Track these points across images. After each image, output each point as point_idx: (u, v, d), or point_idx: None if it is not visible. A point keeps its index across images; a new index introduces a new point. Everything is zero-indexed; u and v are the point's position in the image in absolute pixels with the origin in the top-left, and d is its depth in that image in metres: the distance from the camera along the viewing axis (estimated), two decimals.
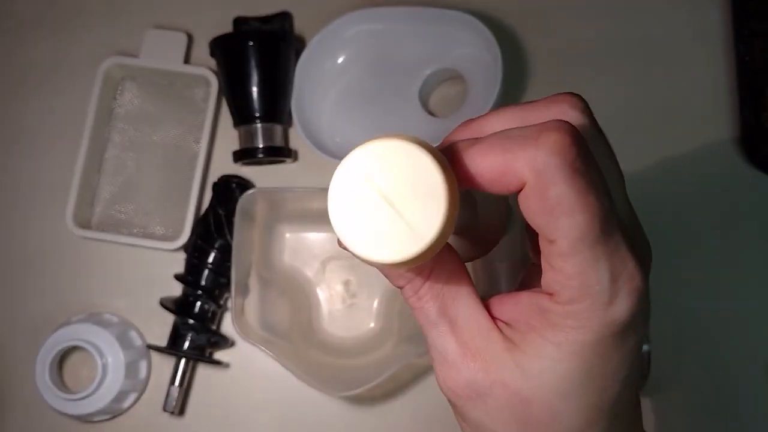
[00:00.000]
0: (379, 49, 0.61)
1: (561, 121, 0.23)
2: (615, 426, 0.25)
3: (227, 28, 0.63)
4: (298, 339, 0.57)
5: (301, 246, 0.60)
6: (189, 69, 0.61)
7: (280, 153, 0.60)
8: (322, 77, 0.62)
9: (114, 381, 0.57)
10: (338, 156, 0.59)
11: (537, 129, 0.22)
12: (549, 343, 0.24)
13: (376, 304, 0.59)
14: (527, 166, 0.22)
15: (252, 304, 0.56)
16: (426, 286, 0.26)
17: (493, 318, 0.26)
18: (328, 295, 0.60)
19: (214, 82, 0.61)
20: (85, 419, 0.59)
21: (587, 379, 0.24)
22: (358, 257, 0.23)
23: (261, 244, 0.58)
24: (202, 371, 0.60)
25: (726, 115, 0.60)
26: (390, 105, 0.61)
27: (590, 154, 0.23)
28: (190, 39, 0.63)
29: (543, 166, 0.22)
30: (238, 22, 0.63)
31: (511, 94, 0.61)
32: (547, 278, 0.24)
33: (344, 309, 0.59)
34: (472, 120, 0.26)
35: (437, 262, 0.26)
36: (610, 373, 0.24)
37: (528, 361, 0.24)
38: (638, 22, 0.62)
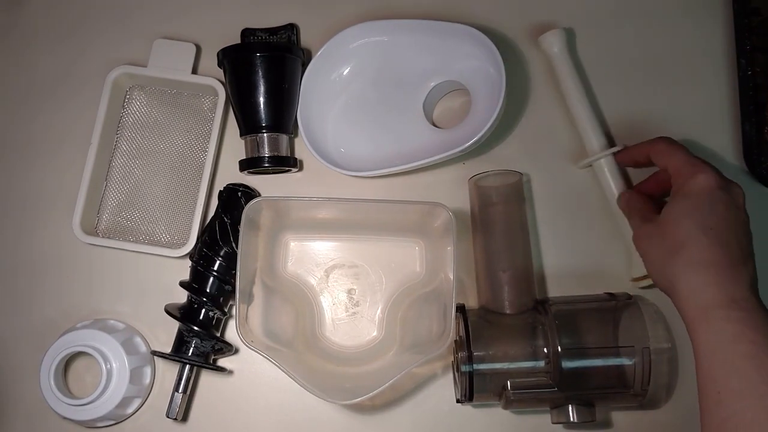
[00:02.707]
0: (384, 61, 0.62)
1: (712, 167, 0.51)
2: (710, 233, 0.47)
3: (235, 39, 0.64)
4: (301, 347, 0.58)
5: (305, 254, 0.60)
6: (197, 79, 0.62)
7: (285, 162, 0.61)
8: (327, 88, 0.62)
9: (118, 387, 0.57)
10: (343, 166, 0.59)
11: (703, 163, 0.51)
12: (672, 199, 0.51)
13: (378, 312, 0.59)
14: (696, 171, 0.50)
15: (256, 311, 0.57)
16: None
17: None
18: (332, 304, 0.60)
19: (222, 92, 0.61)
20: (88, 425, 0.59)
21: (688, 212, 0.49)
22: None
23: (266, 252, 0.59)
24: (206, 378, 0.60)
25: (728, 129, 0.61)
26: (394, 116, 0.62)
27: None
28: (198, 49, 0.63)
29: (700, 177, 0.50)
30: (246, 33, 0.64)
31: (514, 106, 0.62)
32: (675, 178, 0.51)
33: (347, 317, 0.60)
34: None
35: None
36: (698, 209, 0.48)
37: (663, 212, 0.51)
38: (642, 36, 0.63)
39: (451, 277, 0.53)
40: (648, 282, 0.56)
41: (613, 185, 0.58)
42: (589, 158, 0.59)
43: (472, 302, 0.58)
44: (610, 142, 0.60)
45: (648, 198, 0.56)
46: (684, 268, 0.47)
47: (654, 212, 0.53)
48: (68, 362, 0.60)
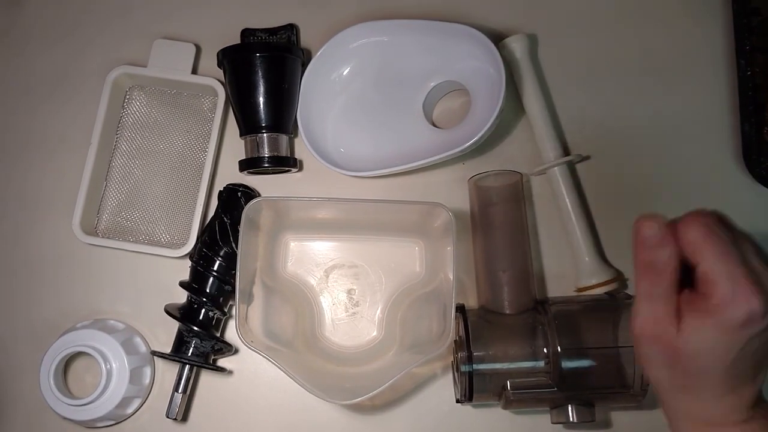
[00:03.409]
0: (383, 62, 0.62)
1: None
2: (730, 375, 0.39)
3: (235, 39, 0.64)
4: (301, 347, 0.58)
5: (304, 254, 0.60)
6: (196, 79, 0.62)
7: (285, 163, 0.61)
8: (327, 88, 0.62)
9: (118, 387, 0.57)
10: (343, 166, 0.59)
11: (747, 280, 0.38)
12: (697, 320, 0.38)
13: (378, 313, 0.59)
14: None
15: (256, 311, 0.57)
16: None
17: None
18: (331, 304, 0.60)
19: (221, 92, 0.61)
20: (88, 425, 0.59)
21: (714, 347, 0.38)
22: None
23: (265, 252, 0.59)
24: (206, 378, 0.60)
25: (727, 129, 0.61)
26: (394, 116, 0.62)
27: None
28: (198, 49, 0.63)
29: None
30: (246, 33, 0.64)
31: (513, 106, 0.62)
32: (707, 288, 0.38)
33: (347, 317, 0.60)
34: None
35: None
36: (728, 347, 0.38)
37: (683, 328, 0.39)
38: (641, 36, 0.63)
39: (451, 277, 0.53)
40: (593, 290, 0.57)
41: (565, 195, 0.58)
42: (544, 165, 0.59)
43: (472, 302, 0.58)
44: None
45: (679, 262, 0.39)
46: (689, 401, 0.41)
47: (676, 293, 0.40)
48: (68, 362, 0.60)
